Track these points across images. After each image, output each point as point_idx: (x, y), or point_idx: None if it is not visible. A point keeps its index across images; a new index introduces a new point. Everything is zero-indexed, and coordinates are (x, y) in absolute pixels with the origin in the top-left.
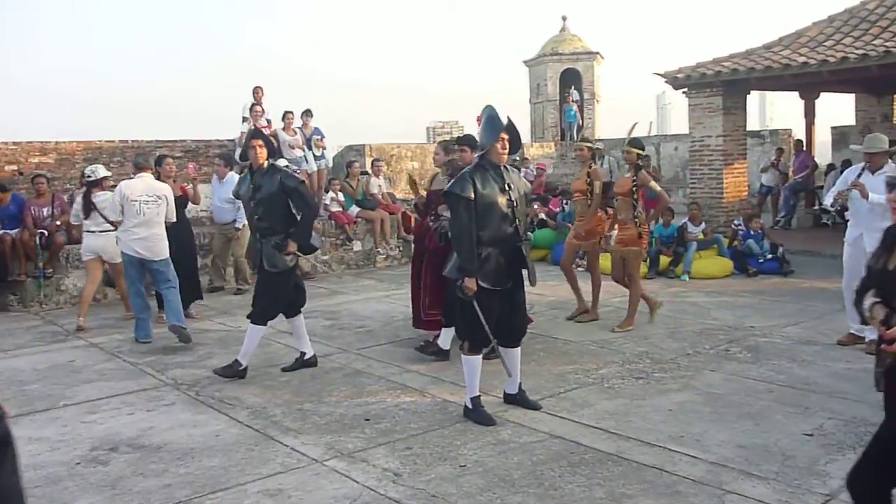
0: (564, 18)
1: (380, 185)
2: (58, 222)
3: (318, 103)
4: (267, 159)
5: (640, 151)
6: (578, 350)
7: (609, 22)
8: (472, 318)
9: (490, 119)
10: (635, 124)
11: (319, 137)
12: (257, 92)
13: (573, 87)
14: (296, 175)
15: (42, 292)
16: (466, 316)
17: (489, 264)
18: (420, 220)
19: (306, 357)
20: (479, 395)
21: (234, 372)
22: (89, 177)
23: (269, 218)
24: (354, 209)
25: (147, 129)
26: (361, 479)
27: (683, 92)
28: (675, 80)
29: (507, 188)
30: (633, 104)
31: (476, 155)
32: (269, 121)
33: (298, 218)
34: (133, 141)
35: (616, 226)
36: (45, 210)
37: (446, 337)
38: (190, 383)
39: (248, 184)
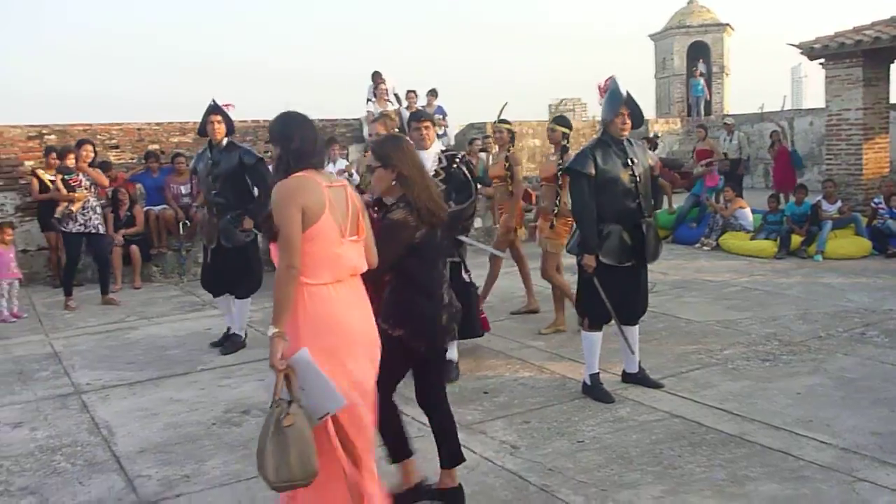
0: None
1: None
2: (195, 202)
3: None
4: (226, 135)
5: (566, 130)
6: (702, 330)
7: None
8: (593, 294)
9: (611, 93)
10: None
11: (441, 116)
12: (377, 78)
13: (701, 61)
14: (255, 152)
15: (182, 265)
16: (586, 292)
17: (611, 241)
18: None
19: (231, 331)
20: (599, 372)
21: (237, 345)
22: None
23: (227, 194)
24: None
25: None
26: (479, 450)
27: (820, 63)
28: (811, 51)
29: (629, 163)
30: (765, 77)
31: (598, 130)
32: (397, 95)
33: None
34: (264, 120)
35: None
36: (183, 188)
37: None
38: None
39: (206, 159)
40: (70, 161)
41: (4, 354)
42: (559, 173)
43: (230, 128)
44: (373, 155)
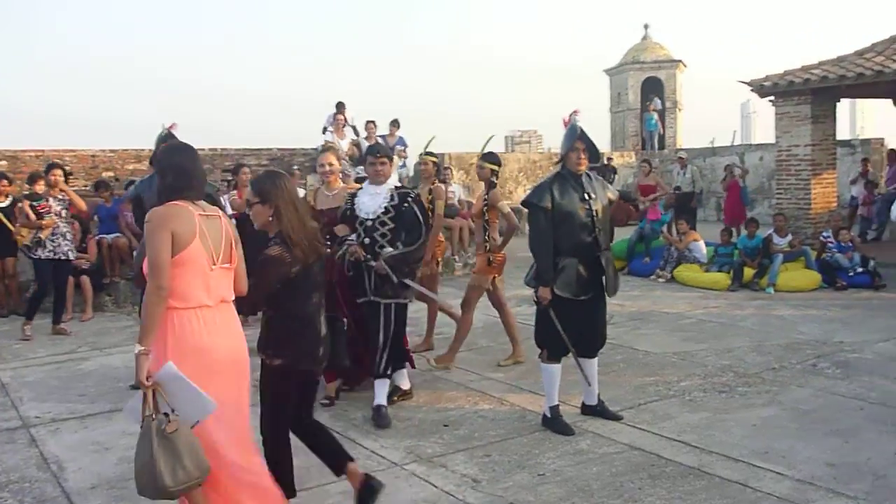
0: (647, 26)
1: (452, 192)
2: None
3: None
4: None
5: (495, 167)
6: (659, 361)
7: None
8: (550, 327)
9: (569, 129)
10: (490, 137)
11: (402, 147)
12: (340, 106)
13: (655, 96)
14: (211, 183)
15: (135, 294)
16: (544, 324)
17: (567, 274)
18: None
19: None
20: (558, 405)
21: None
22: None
23: None
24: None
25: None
26: (440, 484)
27: (770, 100)
28: (761, 89)
29: (587, 197)
30: (716, 113)
31: (555, 164)
32: (354, 127)
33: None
34: (222, 149)
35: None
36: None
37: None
38: None
39: (157, 188)
40: (39, 187)
41: None
42: (485, 208)
43: None
44: (252, 190)
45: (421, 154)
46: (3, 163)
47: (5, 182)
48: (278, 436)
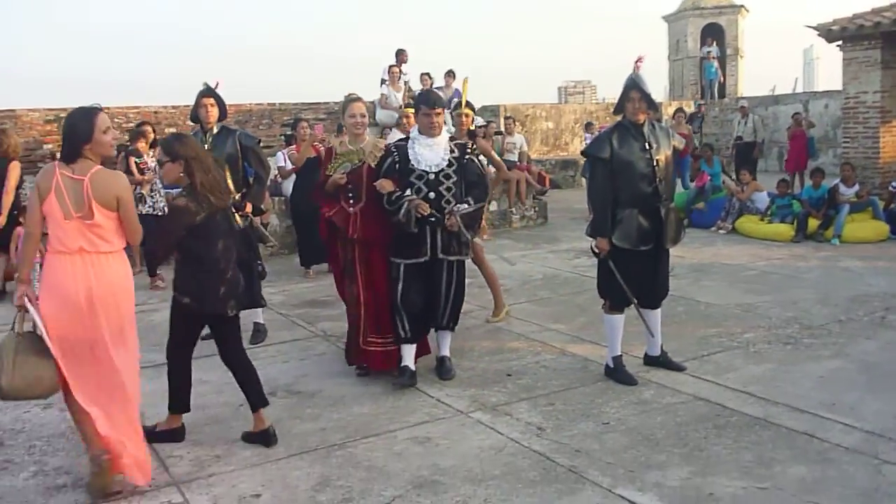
0: None
1: (513, 144)
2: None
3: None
4: (219, 120)
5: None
6: (722, 313)
7: None
8: (611, 278)
9: (627, 78)
10: (466, 79)
11: (459, 98)
12: (401, 54)
13: (714, 43)
14: (251, 135)
15: None
16: (605, 275)
17: (627, 225)
18: (331, 210)
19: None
20: (621, 355)
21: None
22: None
23: (228, 179)
24: (491, 169)
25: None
26: (506, 432)
27: (838, 45)
28: (828, 33)
29: (647, 147)
30: (777, 60)
31: (614, 114)
32: (407, 83)
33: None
34: (280, 104)
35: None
36: None
37: (409, 354)
38: (339, 335)
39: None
40: (141, 145)
41: None
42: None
43: (223, 112)
44: (161, 150)
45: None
46: None
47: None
48: (172, 359)
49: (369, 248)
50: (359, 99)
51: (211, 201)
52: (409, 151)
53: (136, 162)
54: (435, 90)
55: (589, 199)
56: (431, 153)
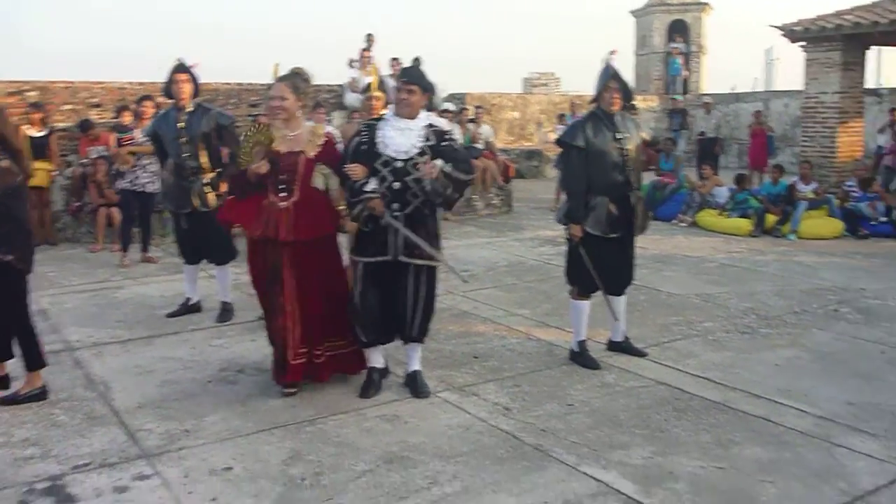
0: None
1: (480, 133)
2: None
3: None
4: (193, 97)
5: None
6: (682, 303)
7: None
8: (580, 264)
9: (603, 69)
10: (370, 60)
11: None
12: (370, 38)
13: (680, 38)
14: (228, 114)
15: (165, 227)
16: (574, 261)
17: (598, 212)
18: (235, 209)
19: (191, 303)
20: (586, 340)
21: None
22: None
23: (200, 157)
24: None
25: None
26: (473, 411)
27: (801, 46)
28: (792, 33)
29: (619, 137)
30: (737, 58)
31: (590, 103)
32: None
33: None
34: (248, 84)
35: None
36: None
37: (375, 355)
38: None
39: (172, 122)
40: (126, 118)
41: None
42: None
43: (196, 89)
44: None
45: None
46: (34, 93)
47: (37, 113)
48: (20, 313)
49: (302, 250)
50: (284, 79)
51: (28, 165)
52: (378, 133)
53: (118, 137)
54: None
55: (563, 186)
56: (402, 137)
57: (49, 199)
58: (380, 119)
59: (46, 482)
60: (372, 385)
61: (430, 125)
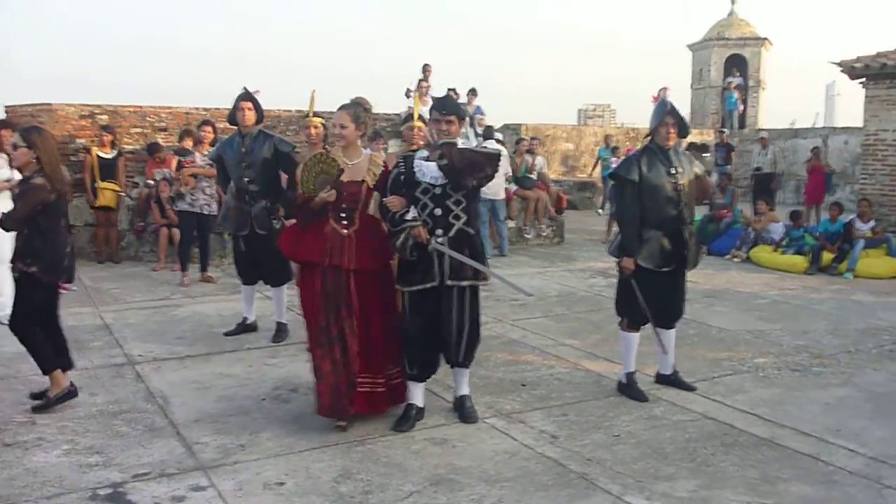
0: (733, 2)
1: (536, 164)
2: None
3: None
4: (256, 123)
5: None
6: (733, 338)
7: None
8: (631, 296)
9: (658, 104)
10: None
11: (481, 116)
12: (426, 69)
13: (737, 73)
14: (288, 141)
15: (224, 248)
16: (625, 294)
17: (651, 246)
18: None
19: (248, 322)
20: (635, 372)
21: (285, 335)
22: None
23: (261, 181)
24: (512, 186)
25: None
26: (520, 438)
27: (861, 82)
28: (851, 70)
29: (673, 171)
30: (797, 94)
31: (645, 138)
32: (434, 98)
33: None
34: (297, 110)
35: None
36: None
37: (417, 392)
38: None
39: (236, 147)
40: (187, 143)
41: None
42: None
43: (260, 116)
44: (20, 137)
45: (304, 117)
46: (105, 117)
47: (107, 135)
48: (27, 325)
49: (363, 278)
50: (345, 107)
51: (59, 185)
52: (416, 163)
53: (179, 160)
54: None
55: (616, 219)
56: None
57: (116, 218)
58: (416, 151)
59: (108, 489)
60: (408, 420)
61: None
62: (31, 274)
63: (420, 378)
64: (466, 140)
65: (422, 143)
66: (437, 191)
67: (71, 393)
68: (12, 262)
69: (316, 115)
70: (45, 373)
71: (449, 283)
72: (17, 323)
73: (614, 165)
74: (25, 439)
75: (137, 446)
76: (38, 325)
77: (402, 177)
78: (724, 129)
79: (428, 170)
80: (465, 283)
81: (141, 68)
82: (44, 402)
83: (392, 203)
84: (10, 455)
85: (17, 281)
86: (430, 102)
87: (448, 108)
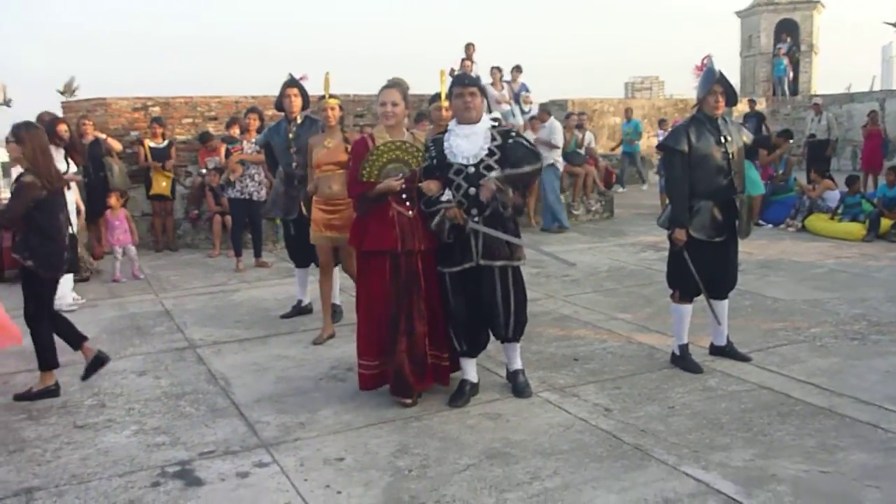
0: None
1: (588, 140)
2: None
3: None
4: (302, 109)
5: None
6: (788, 308)
7: None
8: (683, 268)
9: (706, 72)
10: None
11: (527, 93)
12: (469, 48)
13: (787, 38)
14: None
15: (277, 233)
16: (677, 265)
17: (702, 216)
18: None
19: (303, 305)
20: (688, 344)
21: (339, 317)
22: None
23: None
24: (561, 162)
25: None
26: (574, 411)
27: None
28: None
29: (723, 140)
30: (852, 57)
31: (693, 108)
32: (478, 76)
33: None
34: (354, 95)
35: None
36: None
37: (469, 368)
38: None
39: (283, 133)
40: (234, 131)
41: (121, 311)
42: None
43: (306, 102)
44: (11, 134)
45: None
46: (157, 108)
47: (159, 127)
48: (38, 321)
49: (426, 259)
50: (395, 85)
51: (52, 180)
52: (445, 144)
53: (227, 147)
54: (504, 84)
55: (666, 191)
56: (468, 143)
57: (172, 207)
58: (444, 132)
59: (176, 466)
60: (462, 396)
61: (494, 126)
62: (29, 268)
63: (470, 354)
64: (513, 118)
65: (442, 123)
66: (471, 170)
67: (52, 392)
68: (13, 254)
69: (332, 96)
70: (42, 370)
71: (482, 263)
72: (29, 318)
73: (661, 138)
74: (96, 421)
75: (202, 426)
76: (47, 320)
77: (433, 160)
78: (755, 97)
79: (459, 149)
80: (498, 262)
81: (189, 66)
82: (25, 393)
83: (428, 188)
84: (82, 436)
85: (21, 275)
86: (443, 81)
87: (468, 80)
